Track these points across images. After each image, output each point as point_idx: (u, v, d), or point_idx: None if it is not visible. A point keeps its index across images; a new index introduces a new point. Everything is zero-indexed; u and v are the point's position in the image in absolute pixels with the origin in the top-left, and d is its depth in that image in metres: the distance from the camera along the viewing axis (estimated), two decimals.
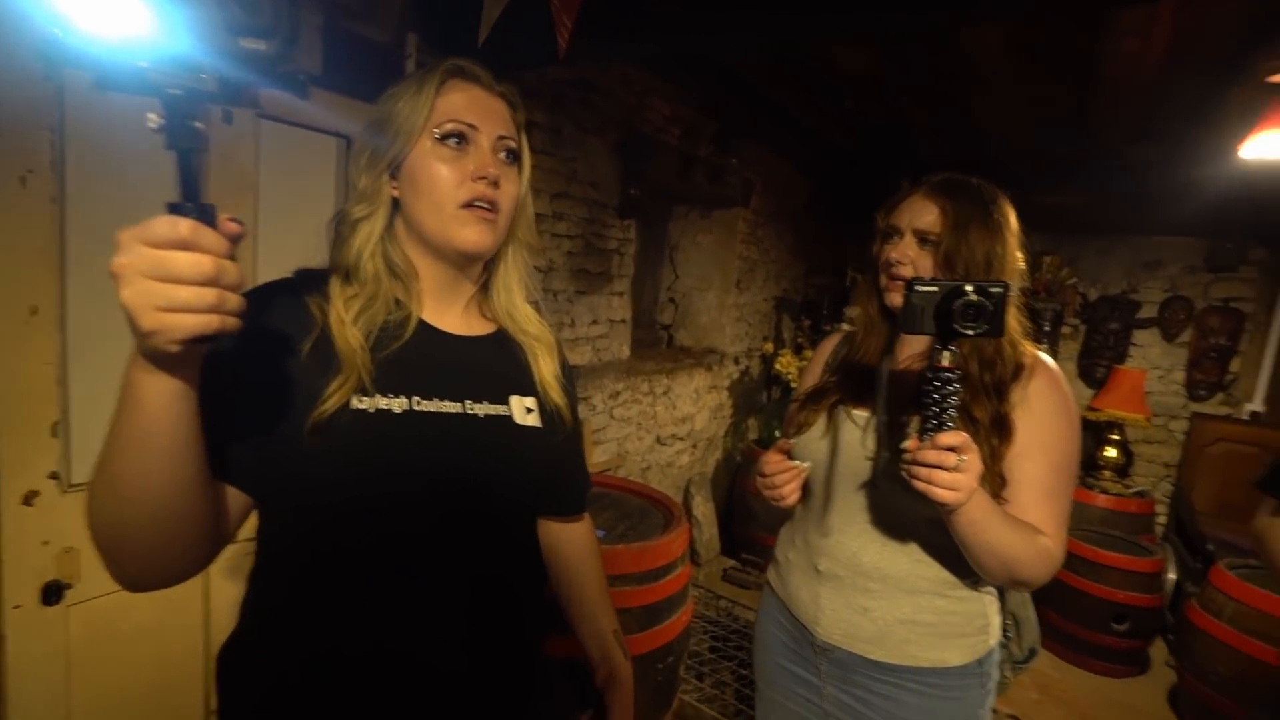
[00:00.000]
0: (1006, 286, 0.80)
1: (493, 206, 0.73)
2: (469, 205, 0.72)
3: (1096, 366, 4.01)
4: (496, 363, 0.81)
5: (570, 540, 0.95)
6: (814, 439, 1.09)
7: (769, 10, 1.49)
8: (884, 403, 1.04)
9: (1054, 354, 4.02)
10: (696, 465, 3.83)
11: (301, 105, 1.56)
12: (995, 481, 0.94)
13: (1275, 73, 1.96)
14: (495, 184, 0.73)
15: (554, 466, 0.85)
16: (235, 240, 0.49)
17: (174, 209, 0.47)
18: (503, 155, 0.75)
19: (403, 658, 0.69)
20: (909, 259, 1.00)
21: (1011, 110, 2.78)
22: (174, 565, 0.62)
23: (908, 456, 0.83)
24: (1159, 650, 3.14)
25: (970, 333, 0.79)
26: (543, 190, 2.46)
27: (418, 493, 0.70)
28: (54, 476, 1.27)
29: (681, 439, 3.62)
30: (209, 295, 0.47)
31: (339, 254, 0.74)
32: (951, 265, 0.98)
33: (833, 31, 1.77)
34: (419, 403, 0.71)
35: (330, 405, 0.66)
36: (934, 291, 0.81)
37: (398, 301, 0.75)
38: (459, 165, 0.72)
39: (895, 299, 1.02)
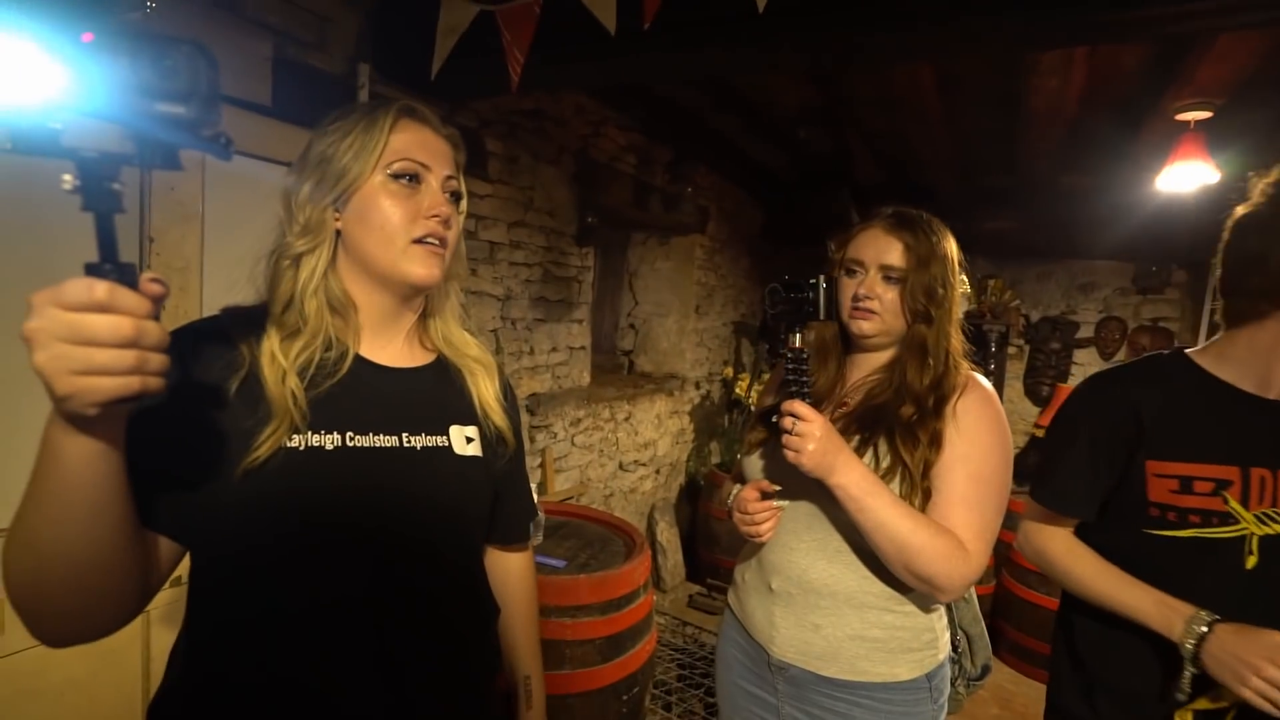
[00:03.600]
0: (826, 279, 0.98)
1: (443, 243, 0.76)
2: (421, 241, 0.74)
3: (1041, 385, 4.18)
4: (436, 392, 0.81)
5: (506, 570, 0.95)
6: (768, 459, 1.12)
7: (700, 45, 1.56)
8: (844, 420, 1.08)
9: (1001, 373, 4.20)
10: (660, 491, 3.82)
11: (249, 135, 1.55)
12: (923, 495, 0.99)
13: (1183, 111, 2.12)
14: (446, 223, 0.76)
15: (495, 495, 0.85)
16: (158, 300, 0.48)
17: (91, 270, 0.46)
18: (448, 195, 0.78)
19: (341, 703, 0.67)
20: (877, 294, 1.06)
21: (946, 141, 2.92)
22: (97, 619, 0.59)
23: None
24: None
25: (797, 316, 0.99)
26: (500, 219, 2.47)
27: (350, 531, 0.69)
28: None
29: (644, 465, 3.62)
30: (128, 358, 0.46)
31: (277, 289, 0.73)
32: (914, 297, 1.04)
33: (763, 66, 1.85)
34: (353, 438, 0.71)
35: (262, 452, 0.64)
36: (779, 288, 1.01)
37: (335, 338, 0.74)
38: (412, 203, 0.74)
39: (864, 327, 1.07)
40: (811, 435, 0.93)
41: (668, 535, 3.66)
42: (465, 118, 2.21)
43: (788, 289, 0.99)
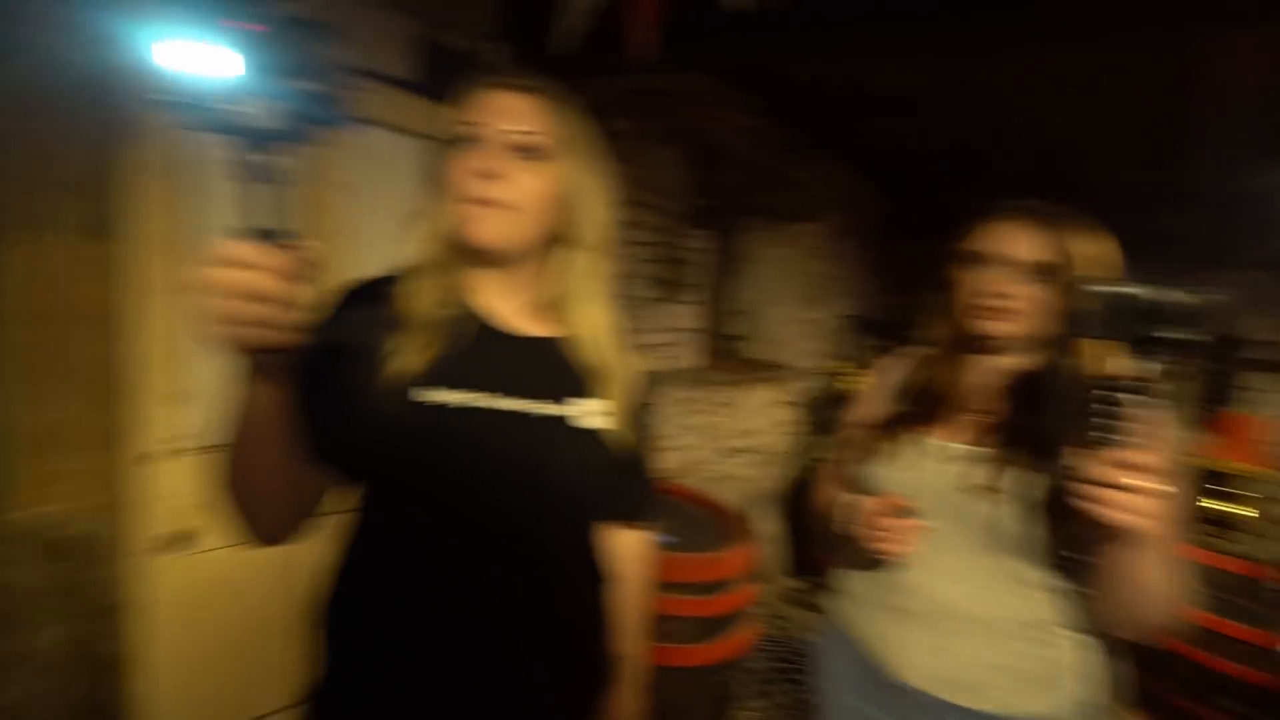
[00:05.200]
0: (1217, 296, 0.70)
1: (491, 201, 0.74)
2: (472, 200, 0.74)
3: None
4: (560, 362, 0.82)
5: (620, 550, 0.92)
6: (896, 470, 1.04)
7: (837, 29, 1.49)
8: (988, 431, 0.99)
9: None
10: (761, 480, 3.76)
11: (390, 109, 1.67)
12: None
13: None
14: (489, 175, 0.73)
15: (612, 470, 0.83)
16: (307, 263, 0.56)
17: (245, 233, 0.54)
18: (512, 149, 0.75)
19: (438, 653, 0.73)
20: (1016, 292, 0.96)
21: (1102, 129, 2.62)
22: (267, 530, 0.72)
23: (1086, 475, 0.73)
24: None
25: (1173, 338, 0.69)
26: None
27: (463, 489, 0.74)
28: (177, 441, 1.40)
29: (746, 452, 3.57)
30: (266, 311, 0.54)
31: (414, 248, 0.80)
32: (1068, 299, 0.94)
33: (905, 51, 1.75)
34: (476, 398, 0.75)
35: (396, 364, 0.72)
36: (1129, 294, 0.71)
37: (463, 299, 0.80)
38: (463, 163, 0.75)
39: (997, 328, 0.97)
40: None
41: (766, 526, 3.60)
42: (587, 96, 2.25)
43: (1152, 298, 0.69)
